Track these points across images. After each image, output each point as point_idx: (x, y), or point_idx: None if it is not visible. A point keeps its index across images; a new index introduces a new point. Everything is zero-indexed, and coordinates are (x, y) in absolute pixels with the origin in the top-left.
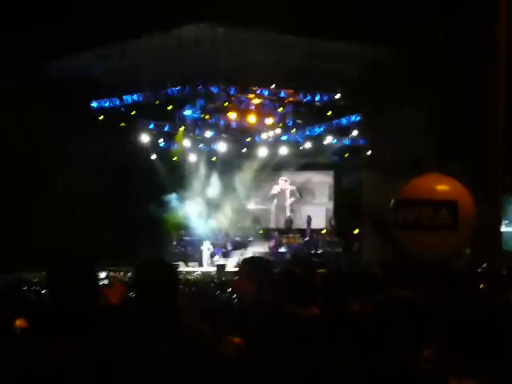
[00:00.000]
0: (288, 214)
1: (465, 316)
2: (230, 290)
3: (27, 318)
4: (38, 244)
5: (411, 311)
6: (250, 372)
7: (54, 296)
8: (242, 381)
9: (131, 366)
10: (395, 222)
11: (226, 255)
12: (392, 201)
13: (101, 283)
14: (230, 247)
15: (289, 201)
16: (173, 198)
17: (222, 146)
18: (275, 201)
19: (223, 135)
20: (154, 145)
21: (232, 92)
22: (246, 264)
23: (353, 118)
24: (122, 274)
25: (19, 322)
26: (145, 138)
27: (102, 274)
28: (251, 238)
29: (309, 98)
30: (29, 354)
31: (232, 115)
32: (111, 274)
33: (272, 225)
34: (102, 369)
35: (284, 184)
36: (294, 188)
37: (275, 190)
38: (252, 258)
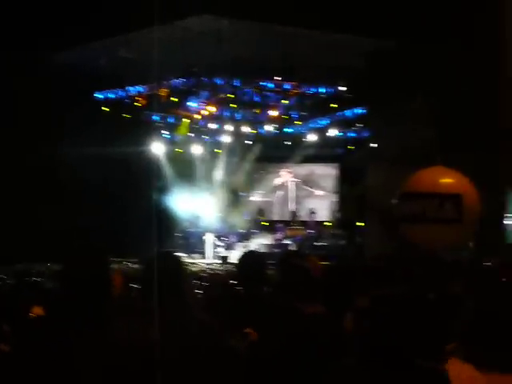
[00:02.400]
0: (292, 206)
1: (486, 308)
2: (232, 281)
3: (44, 307)
4: (43, 234)
5: (421, 306)
6: (260, 364)
7: (67, 287)
8: (252, 373)
9: (138, 362)
10: (401, 215)
11: (229, 247)
12: (397, 194)
13: None
14: (233, 239)
15: (292, 193)
16: (176, 189)
17: (226, 138)
18: (279, 193)
19: (227, 127)
20: (158, 136)
21: (236, 84)
22: (244, 259)
23: (357, 110)
24: (125, 264)
25: (36, 310)
26: (149, 130)
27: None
28: (255, 230)
29: (313, 90)
30: (45, 342)
31: (236, 107)
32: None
33: (275, 217)
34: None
35: (287, 176)
36: (297, 180)
37: (278, 181)
38: (249, 252)
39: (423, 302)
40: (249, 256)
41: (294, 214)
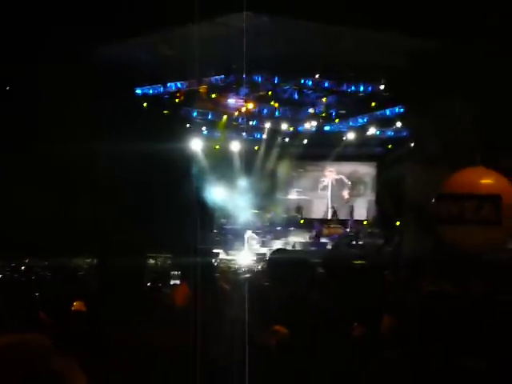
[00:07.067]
0: (330, 204)
1: None
2: (270, 278)
3: (85, 302)
4: (82, 229)
5: (457, 305)
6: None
7: (105, 281)
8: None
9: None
10: (438, 216)
11: (266, 244)
12: (436, 194)
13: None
14: (270, 236)
15: (331, 191)
16: (214, 186)
17: (264, 135)
18: (317, 191)
19: (266, 124)
20: (196, 133)
21: (276, 81)
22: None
23: (397, 109)
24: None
25: (77, 305)
26: (188, 126)
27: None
28: (292, 228)
29: (353, 88)
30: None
31: (275, 104)
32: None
33: (314, 215)
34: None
35: (325, 174)
36: (336, 178)
37: (317, 180)
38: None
39: (462, 300)
40: (278, 254)
41: (332, 212)
